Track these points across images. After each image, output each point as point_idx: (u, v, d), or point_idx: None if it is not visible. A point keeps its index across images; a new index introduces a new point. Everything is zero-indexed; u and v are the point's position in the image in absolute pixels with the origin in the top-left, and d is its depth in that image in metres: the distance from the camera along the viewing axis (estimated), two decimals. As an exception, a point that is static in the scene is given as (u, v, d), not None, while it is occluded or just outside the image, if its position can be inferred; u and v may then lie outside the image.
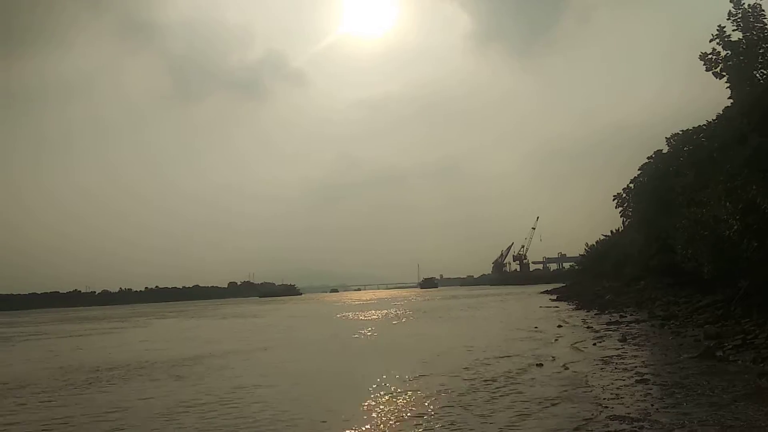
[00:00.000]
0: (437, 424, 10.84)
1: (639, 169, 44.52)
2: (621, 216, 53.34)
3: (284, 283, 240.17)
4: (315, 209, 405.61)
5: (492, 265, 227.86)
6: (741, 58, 22.54)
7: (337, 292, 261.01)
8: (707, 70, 23.84)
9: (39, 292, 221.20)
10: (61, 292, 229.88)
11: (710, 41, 23.37)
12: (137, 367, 21.45)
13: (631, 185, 47.87)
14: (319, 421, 11.59)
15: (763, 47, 22.02)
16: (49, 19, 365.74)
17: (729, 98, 24.60)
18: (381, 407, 12.44)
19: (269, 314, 66.50)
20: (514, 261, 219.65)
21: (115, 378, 19.12)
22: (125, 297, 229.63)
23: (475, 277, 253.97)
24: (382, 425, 10.99)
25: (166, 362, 22.47)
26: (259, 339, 32.52)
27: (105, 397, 15.68)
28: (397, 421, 11.23)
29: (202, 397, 14.86)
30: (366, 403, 12.80)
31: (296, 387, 16.13)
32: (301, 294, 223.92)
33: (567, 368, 16.39)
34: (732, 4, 22.79)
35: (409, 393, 13.87)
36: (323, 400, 13.91)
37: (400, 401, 13.03)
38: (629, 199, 49.43)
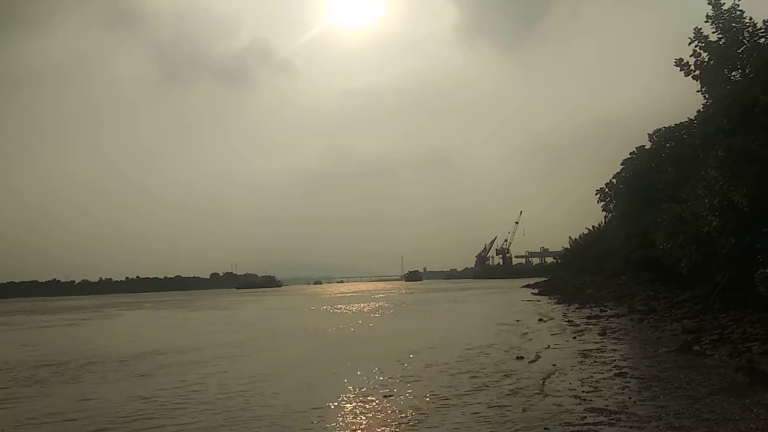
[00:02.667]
0: (412, 421, 10.79)
1: (621, 164, 44.92)
2: (603, 210, 53.81)
3: (267, 274, 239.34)
4: (301, 200, 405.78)
5: (475, 258, 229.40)
6: (720, 60, 22.77)
7: (321, 284, 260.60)
8: (686, 75, 24.08)
9: (17, 281, 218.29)
10: (40, 281, 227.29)
11: (689, 44, 23.60)
12: (87, 363, 19.80)
13: (614, 180, 48.28)
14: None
15: (741, 47, 22.27)
16: (33, 3, 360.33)
17: (706, 99, 24.90)
18: (348, 409, 11.90)
19: (242, 307, 65.01)
20: (497, 255, 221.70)
21: (55, 376, 17.51)
22: (105, 287, 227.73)
23: (458, 270, 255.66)
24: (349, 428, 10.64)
25: (115, 359, 20.91)
26: (217, 335, 30.58)
27: (45, 400, 14.12)
28: (368, 423, 11.06)
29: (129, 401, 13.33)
30: (328, 409, 11.70)
31: (243, 392, 13.96)
32: (281, 286, 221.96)
33: (546, 361, 16.49)
34: (711, 7, 22.98)
35: (382, 391, 13.46)
36: (271, 406, 12.38)
37: (370, 400, 12.53)
38: (611, 194, 49.86)
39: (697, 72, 23.66)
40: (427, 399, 12.26)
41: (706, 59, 23.22)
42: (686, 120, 33.02)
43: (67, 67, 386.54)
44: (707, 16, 23.02)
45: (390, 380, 14.54)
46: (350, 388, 13.72)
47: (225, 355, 21.42)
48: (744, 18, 22.41)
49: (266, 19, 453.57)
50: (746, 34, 22.22)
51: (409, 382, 14.17)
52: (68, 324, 45.09)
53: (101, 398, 13.82)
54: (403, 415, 10.99)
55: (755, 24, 22.13)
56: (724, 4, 22.84)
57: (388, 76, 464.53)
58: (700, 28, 23.27)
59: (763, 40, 21.98)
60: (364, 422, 10.67)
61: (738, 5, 22.53)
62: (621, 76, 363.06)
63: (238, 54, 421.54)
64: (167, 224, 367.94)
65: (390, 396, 12.71)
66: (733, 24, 22.46)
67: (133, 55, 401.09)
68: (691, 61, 23.72)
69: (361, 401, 12.34)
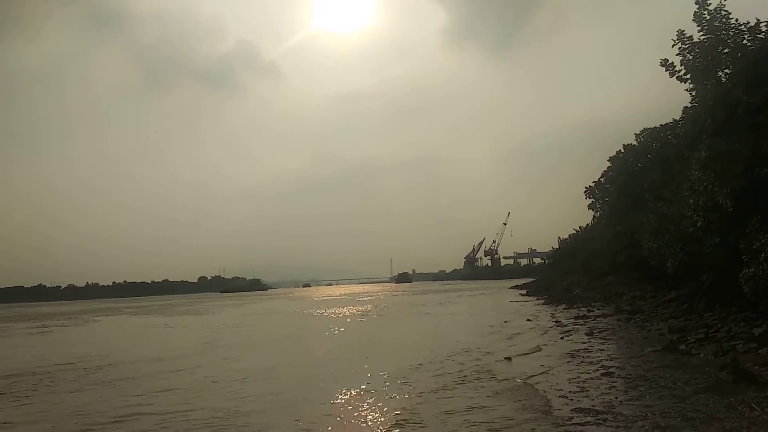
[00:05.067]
0: (396, 425, 10.73)
1: (608, 161, 45.03)
2: (589, 208, 54.00)
3: (255, 278, 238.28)
4: (290, 204, 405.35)
5: (464, 260, 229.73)
6: (708, 57, 22.91)
7: (310, 286, 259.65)
8: (670, 76, 24.24)
9: (2, 287, 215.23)
10: (25, 286, 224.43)
11: (672, 46, 23.76)
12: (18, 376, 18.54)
13: (602, 179, 48.51)
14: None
15: (726, 47, 22.43)
16: (11, 7, 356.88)
17: (692, 100, 25.07)
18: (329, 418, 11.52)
19: (220, 312, 62.97)
20: (485, 256, 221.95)
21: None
22: (92, 292, 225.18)
23: (447, 272, 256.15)
24: None
25: (59, 370, 19.53)
26: (176, 344, 28.72)
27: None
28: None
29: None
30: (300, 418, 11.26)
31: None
32: (266, 289, 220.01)
33: (534, 362, 16.50)
34: (697, 6, 23.11)
35: (368, 394, 13.34)
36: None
37: (353, 406, 12.31)
38: (599, 194, 50.13)
39: (682, 72, 23.79)
40: (411, 402, 12.18)
41: (692, 59, 23.35)
42: (671, 121, 33.29)
43: (47, 70, 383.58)
44: (694, 14, 23.14)
45: (373, 382, 14.46)
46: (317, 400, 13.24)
47: (176, 367, 19.32)
48: (730, 18, 22.53)
49: (252, 23, 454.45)
50: (731, 34, 22.37)
51: (393, 384, 14.10)
52: (30, 333, 42.23)
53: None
54: (386, 419, 10.91)
55: (739, 24, 22.29)
56: (710, 4, 22.96)
57: (375, 80, 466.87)
58: (683, 30, 23.42)
59: (745, 41, 22.16)
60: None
61: (724, 5, 22.65)
62: (610, 78, 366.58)
63: (222, 58, 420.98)
64: (157, 229, 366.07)
65: (372, 399, 12.62)
66: (715, 23, 22.61)
67: (114, 58, 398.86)
68: (677, 60, 23.83)
69: (334, 411, 12.20)
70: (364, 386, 14.00)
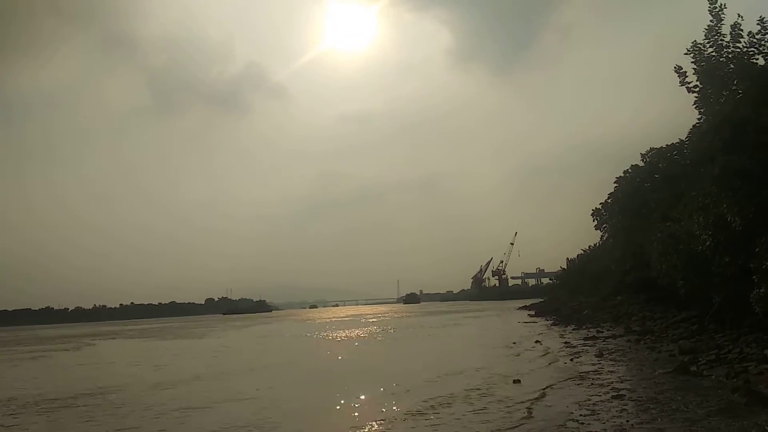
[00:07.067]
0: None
1: (615, 182, 44.85)
2: (596, 228, 53.62)
3: (262, 299, 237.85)
4: (297, 225, 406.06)
5: (471, 280, 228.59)
6: (717, 73, 22.87)
7: (317, 308, 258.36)
8: (681, 84, 24.17)
9: (10, 309, 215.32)
10: (33, 309, 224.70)
11: (685, 53, 23.67)
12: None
13: (609, 200, 48.31)
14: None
15: (733, 65, 22.40)
16: (28, 32, 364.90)
17: (699, 115, 25.00)
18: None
19: (218, 336, 60.28)
20: (493, 276, 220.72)
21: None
22: (99, 314, 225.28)
23: (454, 292, 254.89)
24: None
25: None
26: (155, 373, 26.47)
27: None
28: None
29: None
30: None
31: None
32: (271, 311, 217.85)
33: (543, 384, 16.31)
34: (712, 22, 23.05)
35: (375, 418, 13.24)
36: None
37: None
38: (606, 214, 49.87)
39: (692, 83, 23.65)
40: (417, 425, 12.04)
41: (702, 69, 23.23)
42: (677, 141, 33.30)
43: (61, 92, 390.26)
44: (709, 27, 23.05)
45: (377, 404, 14.32)
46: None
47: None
48: (741, 36, 22.44)
49: (260, 45, 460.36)
50: (739, 51, 22.32)
51: (397, 407, 13.96)
52: (20, 358, 40.68)
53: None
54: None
55: (737, 46, 22.23)
56: (723, 20, 22.89)
57: (382, 100, 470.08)
58: (699, 42, 23.30)
59: (751, 59, 22.14)
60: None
61: (740, 23, 22.58)
62: (614, 97, 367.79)
63: (231, 79, 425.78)
64: (166, 250, 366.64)
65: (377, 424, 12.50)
66: (726, 41, 22.56)
67: (127, 81, 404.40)
68: (690, 70, 23.68)
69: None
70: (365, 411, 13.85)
